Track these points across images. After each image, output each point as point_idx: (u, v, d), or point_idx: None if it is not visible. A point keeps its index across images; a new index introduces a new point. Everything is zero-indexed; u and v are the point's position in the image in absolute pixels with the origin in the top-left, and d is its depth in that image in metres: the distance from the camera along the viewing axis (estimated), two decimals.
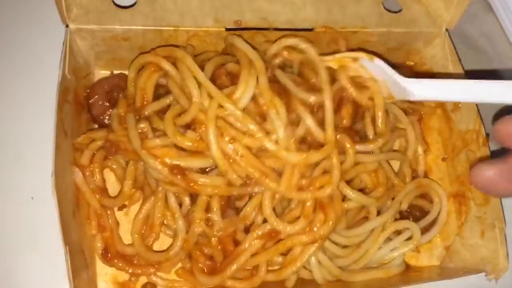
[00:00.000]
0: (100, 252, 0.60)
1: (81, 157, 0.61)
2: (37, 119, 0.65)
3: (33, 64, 0.68)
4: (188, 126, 0.58)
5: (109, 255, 0.60)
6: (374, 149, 0.63)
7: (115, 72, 0.69)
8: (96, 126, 0.66)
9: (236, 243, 0.60)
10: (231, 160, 0.57)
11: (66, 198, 0.56)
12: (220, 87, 0.58)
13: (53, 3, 0.58)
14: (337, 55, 0.62)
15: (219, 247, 0.60)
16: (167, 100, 0.61)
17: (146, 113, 0.60)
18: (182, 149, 0.58)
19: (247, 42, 0.63)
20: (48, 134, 0.55)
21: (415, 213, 0.69)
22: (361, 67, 0.61)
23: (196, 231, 0.59)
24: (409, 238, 0.65)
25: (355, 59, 0.61)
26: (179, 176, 0.57)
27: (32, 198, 0.63)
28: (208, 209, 0.59)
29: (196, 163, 0.58)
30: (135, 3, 0.64)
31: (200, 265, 0.60)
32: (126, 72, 0.68)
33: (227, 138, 0.57)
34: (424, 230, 0.66)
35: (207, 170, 0.60)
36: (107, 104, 0.64)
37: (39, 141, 0.62)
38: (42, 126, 0.61)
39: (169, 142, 0.57)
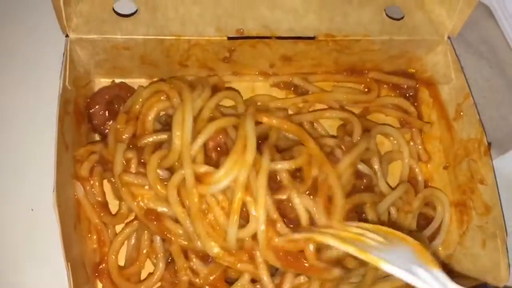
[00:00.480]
0: (94, 264, 0.60)
1: (81, 169, 0.60)
2: (37, 130, 0.65)
3: (33, 75, 0.67)
4: None
5: (99, 269, 0.60)
6: None
7: (116, 80, 0.68)
8: (97, 135, 0.66)
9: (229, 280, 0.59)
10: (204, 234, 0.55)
11: (68, 212, 0.56)
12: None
13: (53, 13, 0.57)
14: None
15: None
16: (164, 136, 0.59)
17: (143, 143, 0.59)
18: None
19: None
20: (49, 145, 0.55)
21: (420, 221, 0.69)
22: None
23: (184, 280, 0.58)
24: None
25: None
26: (154, 222, 0.56)
27: (32, 210, 0.63)
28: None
29: (171, 210, 0.56)
30: (136, 12, 0.63)
31: None
32: (127, 81, 0.68)
33: (196, 214, 0.54)
34: (429, 239, 0.66)
35: None
36: (108, 114, 0.63)
37: (39, 153, 0.62)
38: (43, 137, 0.61)
39: (148, 184, 0.56)
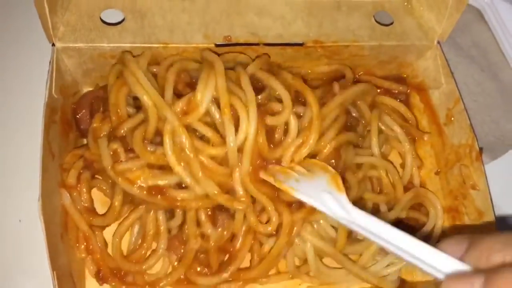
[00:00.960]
0: (94, 274, 0.59)
1: (68, 176, 0.60)
2: (24, 140, 0.64)
3: (20, 84, 0.67)
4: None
5: (101, 275, 0.59)
6: None
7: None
8: (85, 141, 0.65)
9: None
10: (200, 174, 0.56)
11: (54, 221, 0.55)
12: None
13: (38, 21, 0.57)
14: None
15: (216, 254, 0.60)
16: (141, 115, 0.58)
17: (122, 131, 0.58)
18: (156, 166, 0.57)
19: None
20: (35, 155, 0.54)
21: (412, 225, 0.68)
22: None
23: (193, 248, 0.59)
24: None
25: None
26: (159, 196, 0.56)
27: (20, 221, 0.62)
28: (198, 222, 0.59)
29: (172, 179, 0.57)
30: (123, 20, 0.63)
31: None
32: None
33: (188, 152, 0.55)
34: None
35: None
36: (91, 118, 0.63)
37: (26, 163, 0.61)
38: (29, 147, 0.60)
39: (141, 163, 0.56)
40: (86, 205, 0.59)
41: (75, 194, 0.59)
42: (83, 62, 0.63)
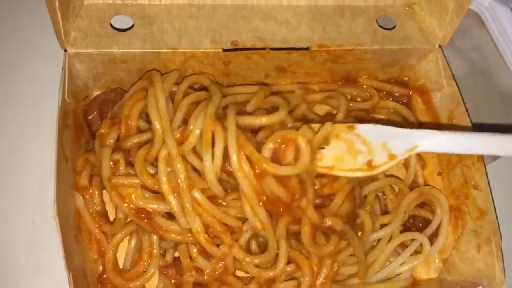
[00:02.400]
0: (97, 275, 0.61)
1: (80, 178, 0.61)
2: (38, 144, 0.66)
3: (33, 89, 0.69)
4: None
5: (103, 278, 0.61)
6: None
7: None
8: None
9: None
10: (189, 207, 0.56)
11: (68, 223, 0.57)
12: None
13: (51, 28, 0.58)
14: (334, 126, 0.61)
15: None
16: (149, 135, 0.59)
17: (128, 144, 0.59)
18: (150, 190, 0.58)
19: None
20: (49, 158, 0.56)
21: (418, 224, 0.70)
22: (355, 136, 0.61)
23: (189, 281, 0.60)
24: (416, 250, 0.67)
25: (350, 128, 0.61)
26: (145, 220, 0.57)
27: (33, 222, 0.63)
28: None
29: (162, 206, 0.57)
30: (132, 26, 0.64)
31: None
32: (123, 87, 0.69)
33: (181, 183, 0.56)
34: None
35: None
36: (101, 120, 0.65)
37: (39, 166, 0.64)
38: (43, 150, 0.62)
39: (136, 182, 0.57)
40: (98, 208, 0.61)
41: (87, 196, 0.60)
42: (93, 67, 0.64)
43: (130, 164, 0.59)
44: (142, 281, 0.60)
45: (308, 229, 0.59)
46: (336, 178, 0.61)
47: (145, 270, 0.60)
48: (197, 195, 0.56)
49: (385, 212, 0.69)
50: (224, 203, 0.58)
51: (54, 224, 0.53)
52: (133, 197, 0.57)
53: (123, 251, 0.62)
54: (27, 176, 0.65)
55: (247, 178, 0.55)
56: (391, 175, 0.71)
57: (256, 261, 0.60)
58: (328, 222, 0.60)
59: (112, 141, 0.61)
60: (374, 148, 0.61)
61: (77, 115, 0.63)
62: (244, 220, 0.59)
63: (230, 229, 0.59)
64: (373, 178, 0.67)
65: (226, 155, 0.55)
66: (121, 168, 0.59)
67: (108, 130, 0.61)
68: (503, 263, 0.62)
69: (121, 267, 0.62)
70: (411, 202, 0.68)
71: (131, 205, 0.57)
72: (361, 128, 0.61)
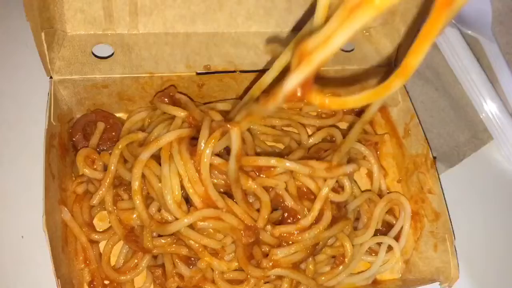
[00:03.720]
0: (87, 284, 0.65)
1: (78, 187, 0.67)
2: (26, 163, 0.70)
3: (21, 114, 0.74)
4: None
5: (93, 285, 0.65)
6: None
7: None
8: None
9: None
10: None
11: (56, 235, 0.61)
12: None
13: (37, 57, 0.64)
14: None
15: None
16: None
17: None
18: None
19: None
20: (36, 176, 0.61)
21: (382, 228, 0.75)
22: None
23: (172, 287, 0.64)
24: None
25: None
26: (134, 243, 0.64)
27: (22, 237, 0.68)
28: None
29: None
30: (113, 54, 0.70)
31: None
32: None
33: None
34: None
35: None
36: (85, 140, 0.70)
37: (26, 184, 0.68)
38: (30, 169, 0.67)
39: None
40: (85, 220, 0.66)
41: (76, 209, 0.66)
42: (77, 92, 0.70)
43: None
44: (132, 275, 0.65)
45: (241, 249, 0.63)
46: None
47: (136, 265, 0.65)
48: None
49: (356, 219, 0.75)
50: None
51: (42, 239, 0.57)
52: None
53: (114, 254, 0.67)
54: (15, 194, 0.69)
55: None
56: (366, 190, 0.77)
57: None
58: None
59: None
60: None
61: (62, 137, 0.68)
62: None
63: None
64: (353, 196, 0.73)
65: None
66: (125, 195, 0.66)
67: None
68: (457, 260, 0.68)
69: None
70: (381, 210, 0.74)
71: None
72: None
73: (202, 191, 0.60)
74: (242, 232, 0.62)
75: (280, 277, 0.65)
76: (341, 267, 0.69)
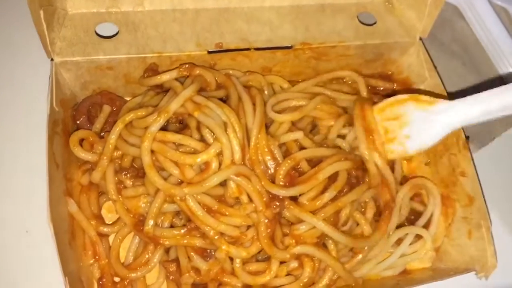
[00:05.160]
0: (96, 280, 0.61)
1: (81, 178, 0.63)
2: (27, 153, 0.66)
3: (21, 99, 0.69)
4: None
5: (102, 282, 0.61)
6: None
7: None
8: None
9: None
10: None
11: (62, 229, 0.57)
12: None
13: (37, 38, 0.59)
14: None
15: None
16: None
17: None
18: None
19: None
20: (40, 166, 0.56)
21: (409, 217, 0.70)
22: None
23: (188, 282, 0.61)
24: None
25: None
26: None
27: (27, 231, 0.64)
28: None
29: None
30: (117, 33, 0.65)
31: None
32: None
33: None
34: None
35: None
36: (89, 123, 0.65)
37: (30, 175, 0.64)
38: (33, 159, 0.62)
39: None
40: (95, 211, 0.61)
41: (83, 200, 0.62)
42: (80, 75, 0.65)
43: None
44: (144, 272, 0.60)
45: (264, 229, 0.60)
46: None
47: (147, 261, 0.61)
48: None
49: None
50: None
51: (48, 234, 0.53)
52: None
53: (124, 248, 0.63)
54: (19, 186, 0.65)
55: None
56: None
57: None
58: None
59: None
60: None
61: (66, 123, 0.64)
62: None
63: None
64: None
65: None
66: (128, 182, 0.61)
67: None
68: (494, 247, 0.63)
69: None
70: (405, 196, 0.69)
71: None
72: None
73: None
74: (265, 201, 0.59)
75: (301, 265, 0.61)
76: (360, 255, 0.65)
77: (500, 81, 0.82)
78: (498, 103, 0.55)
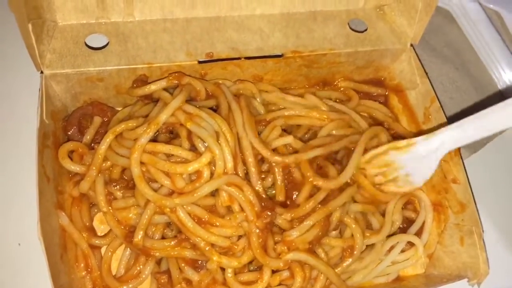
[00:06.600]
0: None
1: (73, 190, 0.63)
2: (18, 166, 0.66)
3: (11, 111, 0.69)
4: None
5: None
6: None
7: None
8: None
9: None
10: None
11: (53, 242, 0.57)
12: None
13: (25, 51, 0.59)
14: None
15: None
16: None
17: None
18: None
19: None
20: (31, 180, 0.56)
21: (401, 225, 0.70)
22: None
23: None
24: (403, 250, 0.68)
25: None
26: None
27: (19, 244, 0.64)
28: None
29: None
30: (107, 44, 0.65)
31: None
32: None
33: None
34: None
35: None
36: (80, 134, 0.65)
37: (22, 189, 0.63)
38: (24, 173, 0.62)
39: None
40: (86, 224, 0.61)
41: (75, 212, 0.62)
42: (71, 86, 0.65)
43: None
44: (135, 284, 0.60)
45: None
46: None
47: (139, 273, 0.61)
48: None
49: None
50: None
51: (40, 246, 0.53)
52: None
53: (117, 259, 0.63)
54: (11, 199, 0.65)
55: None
56: None
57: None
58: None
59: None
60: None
61: (57, 136, 0.64)
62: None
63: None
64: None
65: None
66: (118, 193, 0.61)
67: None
68: (486, 254, 0.63)
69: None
70: (395, 206, 0.69)
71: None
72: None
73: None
74: (257, 211, 0.59)
75: (293, 275, 0.61)
76: (349, 259, 0.64)
77: (492, 84, 0.82)
78: (473, 128, 0.56)
